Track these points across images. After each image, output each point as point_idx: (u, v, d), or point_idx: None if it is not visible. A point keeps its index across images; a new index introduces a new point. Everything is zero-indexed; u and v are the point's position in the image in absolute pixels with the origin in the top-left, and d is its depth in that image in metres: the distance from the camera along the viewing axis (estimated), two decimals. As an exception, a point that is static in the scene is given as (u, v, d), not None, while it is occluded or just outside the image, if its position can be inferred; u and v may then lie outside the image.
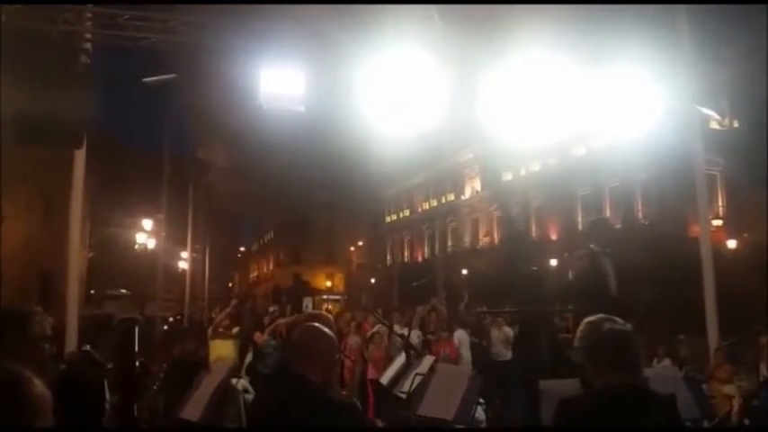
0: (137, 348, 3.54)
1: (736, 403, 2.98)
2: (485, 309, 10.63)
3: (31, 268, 14.26)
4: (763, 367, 5.84)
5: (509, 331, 10.23)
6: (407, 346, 6.46)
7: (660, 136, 10.02)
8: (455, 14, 7.50)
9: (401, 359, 6.36)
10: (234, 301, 11.61)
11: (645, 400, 2.50)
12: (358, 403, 3.40)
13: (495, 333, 10.43)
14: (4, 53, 6.15)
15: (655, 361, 9.23)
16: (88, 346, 3.84)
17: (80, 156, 7.73)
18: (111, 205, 26.44)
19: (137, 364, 3.53)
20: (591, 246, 5.63)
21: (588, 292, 4.86)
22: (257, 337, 10.03)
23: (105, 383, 3.50)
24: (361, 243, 54.65)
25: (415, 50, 7.24)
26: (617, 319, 2.62)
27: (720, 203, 25.66)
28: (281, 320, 10.51)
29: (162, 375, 5.19)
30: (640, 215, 28.84)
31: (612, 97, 7.85)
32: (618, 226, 28.56)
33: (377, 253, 52.09)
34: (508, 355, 9.86)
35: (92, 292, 23.31)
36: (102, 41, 7.13)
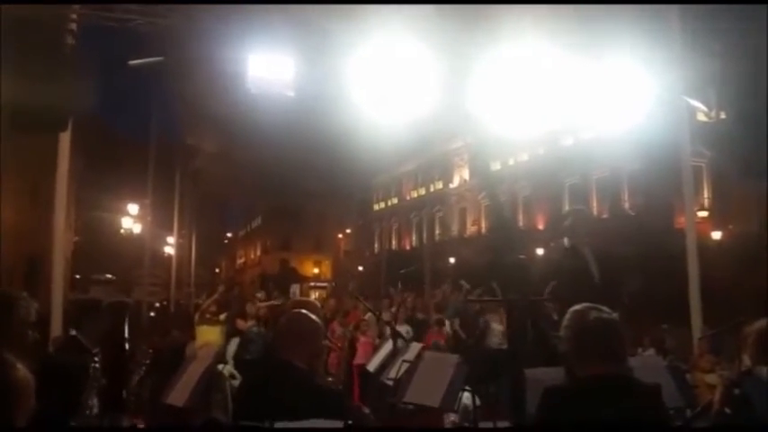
0: (126, 332, 3.54)
1: (717, 392, 3.02)
2: (474, 297, 10.66)
3: (17, 253, 14.14)
4: (745, 357, 5.91)
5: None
6: (395, 333, 6.48)
7: (648, 127, 10.06)
8: (447, 3, 7.47)
9: (388, 346, 6.38)
10: (221, 288, 11.62)
11: (630, 388, 2.52)
12: (343, 390, 3.41)
13: (495, 324, 10.47)
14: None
15: (639, 350, 9.33)
16: (74, 331, 3.82)
17: (65, 139, 7.64)
18: (97, 189, 26.21)
19: (126, 348, 3.52)
20: (564, 239, 5.69)
21: (567, 283, 4.90)
22: (240, 323, 10.05)
23: (91, 368, 3.49)
24: (348, 230, 54.63)
25: (406, 38, 7.21)
26: (603, 308, 2.63)
27: (706, 195, 25.86)
28: (262, 304, 10.54)
29: (148, 361, 5.18)
30: (627, 206, 29.02)
31: (601, 88, 7.87)
32: (604, 216, 28.76)
33: (365, 240, 52.11)
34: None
35: (77, 276, 23.16)
36: (88, 23, 7.04)
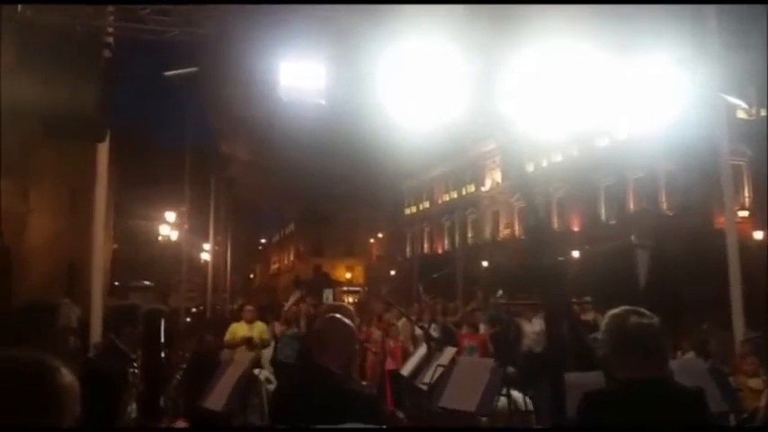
0: (162, 339, 3.58)
1: (764, 397, 2.93)
2: (506, 300, 10.56)
3: (58, 261, 14.46)
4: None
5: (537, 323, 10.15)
6: (428, 337, 6.45)
7: (685, 126, 9.87)
8: (477, 3, 7.43)
9: (422, 351, 6.35)
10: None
11: (672, 393, 2.46)
12: (377, 394, 3.40)
13: (527, 326, 10.36)
14: (29, 49, 6.23)
15: (678, 354, 9.12)
16: (113, 336, 3.89)
17: (103, 149, 7.81)
18: (135, 198, 26.74)
19: (162, 354, 3.56)
20: (631, 237, 5.63)
21: (623, 284, 4.84)
22: (275, 327, 10.17)
23: (129, 374, 3.54)
24: (380, 235, 54.70)
25: (437, 40, 7.19)
26: (643, 311, 2.58)
27: (747, 194, 25.23)
28: (291, 306, 10.67)
29: (185, 366, 5.24)
30: (665, 206, 28.48)
31: (636, 87, 7.73)
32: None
33: (396, 245, 52.12)
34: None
35: (116, 283, 23.62)
36: (124, 36, 7.19)
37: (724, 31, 8.35)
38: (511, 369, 6.08)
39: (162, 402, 3.87)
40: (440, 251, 46.45)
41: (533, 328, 10.22)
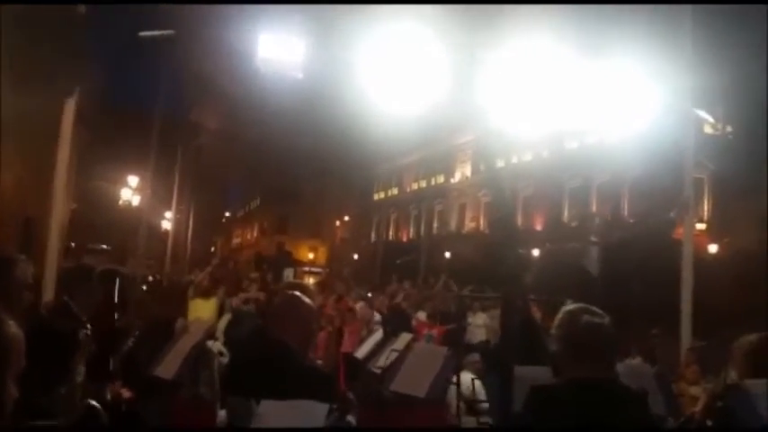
0: (116, 300, 3.54)
1: (700, 403, 3.05)
2: (467, 292, 10.69)
3: (13, 215, 14.10)
4: (731, 371, 5.94)
5: (485, 316, 10.31)
6: (385, 322, 6.50)
7: (653, 135, 10.06)
8: (458, 2, 7.45)
9: (378, 335, 6.40)
10: (215, 261, 11.62)
11: (617, 393, 2.53)
12: (331, 373, 3.42)
13: (470, 318, 10.53)
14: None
15: (627, 360, 9.34)
16: (66, 298, 3.83)
17: (70, 105, 7.62)
18: (98, 159, 26.10)
19: (115, 316, 3.53)
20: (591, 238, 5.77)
21: (580, 284, 4.94)
22: (233, 300, 10.08)
23: (80, 334, 3.49)
24: (347, 218, 54.60)
25: (418, 29, 7.19)
26: (596, 310, 2.64)
27: (706, 208, 25.87)
28: (251, 288, 10.54)
29: (138, 332, 5.19)
30: (626, 212, 29.04)
31: (609, 92, 7.85)
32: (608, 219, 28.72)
33: (362, 229, 52.12)
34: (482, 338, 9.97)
35: (72, 244, 23.15)
36: (101, -9, 7.01)
37: (698, 46, 8.52)
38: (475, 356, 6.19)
39: (111, 366, 3.84)
40: (405, 239, 46.61)
41: (477, 321, 10.41)
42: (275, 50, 7.16)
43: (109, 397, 3.81)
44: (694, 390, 6.64)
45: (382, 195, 51.51)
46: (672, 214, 6.27)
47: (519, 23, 7.25)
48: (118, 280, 3.74)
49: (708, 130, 23.01)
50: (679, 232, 8.27)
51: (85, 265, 4.51)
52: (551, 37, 7.27)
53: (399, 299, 10.72)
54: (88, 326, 3.60)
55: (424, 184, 45.91)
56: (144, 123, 23.71)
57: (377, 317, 9.33)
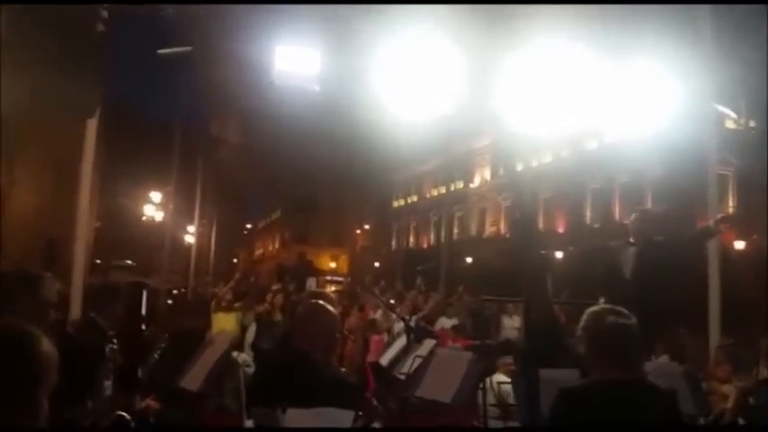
0: (143, 312, 3.59)
1: (731, 400, 2.99)
2: (490, 297, 10.62)
3: (37, 235, 14.33)
4: (762, 368, 5.84)
5: (518, 319, 10.23)
6: (408, 329, 6.47)
7: (674, 133, 9.95)
8: (475, 3, 7.45)
9: (401, 341, 6.38)
10: (237, 275, 11.74)
11: (646, 392, 2.50)
12: (356, 382, 3.42)
13: (506, 320, 10.44)
14: (22, 21, 6.15)
15: (652, 357, 9.20)
16: (93, 314, 3.88)
17: (92, 124, 7.73)
18: (120, 176, 26.48)
19: (142, 327, 3.57)
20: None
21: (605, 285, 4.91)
22: (256, 310, 10.15)
23: (107, 349, 3.54)
24: (367, 226, 54.69)
25: (433, 34, 7.18)
26: (622, 310, 2.61)
27: (731, 204, 25.50)
28: (278, 294, 10.61)
29: (164, 345, 5.24)
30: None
31: (628, 91, 7.77)
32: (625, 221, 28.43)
33: (382, 237, 52.16)
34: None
35: (97, 261, 23.46)
36: (119, 11, 7.12)
37: (718, 40, 8.42)
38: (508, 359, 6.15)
39: (139, 376, 3.88)
40: (425, 245, 46.55)
41: (513, 323, 10.32)
42: (291, 62, 7.19)
43: (137, 408, 3.85)
44: (726, 388, 6.52)
45: (402, 203, 51.52)
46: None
47: (535, 23, 7.22)
48: (144, 292, 3.79)
49: (730, 125, 22.69)
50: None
51: (110, 282, 4.58)
52: (567, 36, 7.23)
53: (426, 309, 10.67)
54: (114, 340, 3.65)
55: (443, 190, 45.83)
56: (165, 139, 24.01)
57: (400, 324, 9.31)
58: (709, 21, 8.30)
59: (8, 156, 12.39)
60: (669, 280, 5.95)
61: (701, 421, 3.61)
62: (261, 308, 10.15)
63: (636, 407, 2.46)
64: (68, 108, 6.91)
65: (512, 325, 10.30)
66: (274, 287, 12.49)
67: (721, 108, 9.25)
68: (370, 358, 9.67)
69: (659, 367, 4.32)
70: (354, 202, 52.03)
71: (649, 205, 28.78)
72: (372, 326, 10.27)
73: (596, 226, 31.17)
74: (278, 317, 9.87)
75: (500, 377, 5.72)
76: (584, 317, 2.69)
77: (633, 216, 6.27)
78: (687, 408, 3.47)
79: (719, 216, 6.26)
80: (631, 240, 6.00)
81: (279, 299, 10.53)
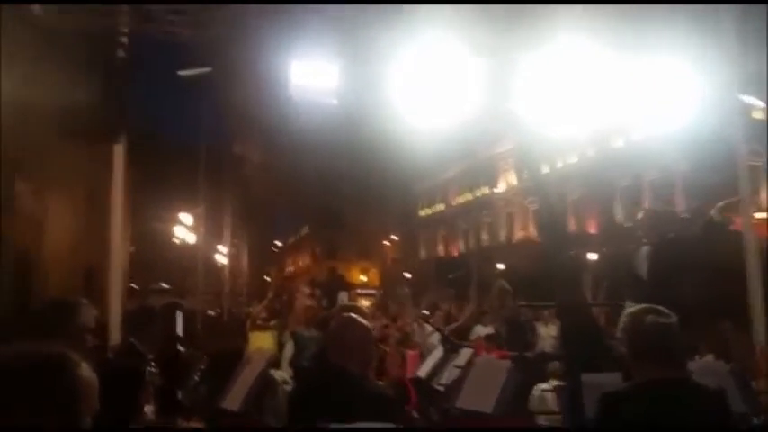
0: (180, 332, 3.61)
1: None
2: (524, 303, 10.47)
3: (75, 264, 14.60)
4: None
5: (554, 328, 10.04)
6: (445, 339, 6.43)
7: (701, 126, 9.76)
8: (491, 3, 7.40)
9: (438, 352, 6.33)
10: (270, 294, 11.81)
11: (693, 392, 2.43)
12: (395, 395, 3.40)
13: (542, 329, 10.26)
14: (44, 51, 6.29)
15: (696, 357, 8.97)
16: (132, 339, 3.93)
17: (119, 150, 7.84)
18: (150, 200, 26.87)
19: (180, 348, 3.59)
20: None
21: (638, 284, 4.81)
22: (291, 326, 10.16)
23: (147, 372, 3.56)
24: (395, 238, 54.64)
25: (449, 41, 7.16)
26: (661, 309, 2.55)
27: (765, 196, 24.93)
28: (308, 303, 10.59)
29: (203, 367, 5.27)
30: (680, 207, 28.23)
31: (652, 86, 7.66)
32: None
33: (411, 247, 52.02)
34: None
35: (134, 286, 23.79)
36: (138, 36, 7.22)
37: (741, 30, 8.26)
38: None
39: (179, 398, 3.90)
40: (455, 254, 46.29)
41: (550, 331, 10.13)
42: (308, 77, 7.22)
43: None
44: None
45: (428, 212, 51.38)
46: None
47: (554, 23, 7.16)
48: (180, 313, 3.82)
49: (758, 115, 22.24)
50: (738, 223, 7.97)
51: (146, 305, 4.63)
52: (586, 34, 7.15)
53: (462, 319, 10.57)
54: (153, 363, 3.68)
55: (469, 196, 45.60)
56: (190, 160, 24.33)
57: (434, 335, 9.23)
58: (732, 13, 8.16)
59: (39, 187, 12.68)
60: (687, 276, 5.82)
61: (754, 420, 3.50)
62: (297, 325, 10.16)
63: (682, 407, 2.39)
64: (94, 136, 7.03)
65: (548, 333, 10.13)
66: (308, 302, 12.50)
67: (747, 98, 9.05)
68: (409, 373, 9.58)
69: (705, 366, 4.21)
70: (379, 214, 52.04)
71: (679, 201, 28.31)
72: (407, 340, 10.19)
73: (628, 224, 30.70)
74: (313, 332, 9.86)
75: (543, 384, 5.64)
76: (623, 318, 2.64)
77: (640, 215, 6.14)
78: (737, 406, 3.37)
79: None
80: (644, 240, 5.88)
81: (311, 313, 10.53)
